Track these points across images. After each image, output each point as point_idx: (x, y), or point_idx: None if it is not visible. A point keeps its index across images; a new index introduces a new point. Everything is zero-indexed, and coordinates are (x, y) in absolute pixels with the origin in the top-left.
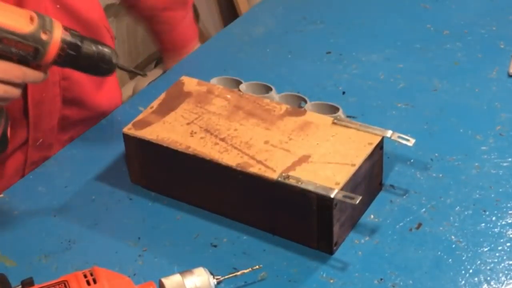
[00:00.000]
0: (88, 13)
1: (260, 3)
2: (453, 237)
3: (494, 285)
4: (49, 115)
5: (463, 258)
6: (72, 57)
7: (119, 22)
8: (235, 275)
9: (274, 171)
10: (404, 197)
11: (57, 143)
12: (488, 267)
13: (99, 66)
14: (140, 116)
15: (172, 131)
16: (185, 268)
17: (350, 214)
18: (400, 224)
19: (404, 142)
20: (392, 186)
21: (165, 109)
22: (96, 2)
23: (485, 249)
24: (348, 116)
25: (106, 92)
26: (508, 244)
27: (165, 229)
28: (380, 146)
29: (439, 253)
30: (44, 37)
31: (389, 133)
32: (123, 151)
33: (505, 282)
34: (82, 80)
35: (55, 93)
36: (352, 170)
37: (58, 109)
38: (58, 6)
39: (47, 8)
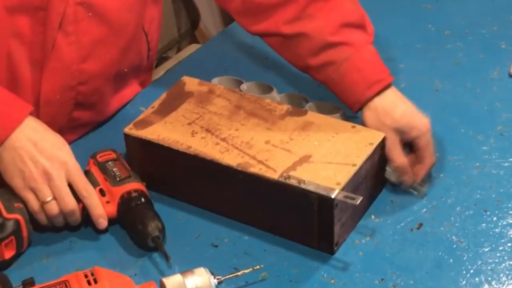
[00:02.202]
0: (121, 16)
1: None
2: (454, 237)
3: (495, 285)
4: (59, 116)
5: (464, 258)
6: None
7: None
8: (236, 275)
9: (275, 171)
10: (405, 197)
11: None
12: (489, 267)
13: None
14: (141, 116)
15: (173, 131)
16: (186, 268)
17: (351, 214)
18: (401, 224)
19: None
20: (393, 186)
21: (166, 109)
22: (133, 2)
23: (486, 249)
24: (349, 116)
25: (121, 97)
26: (509, 244)
27: (166, 229)
28: (381, 146)
29: (440, 253)
30: None
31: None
32: (124, 151)
33: (506, 282)
34: (101, 87)
35: (69, 96)
36: (353, 170)
37: (68, 112)
38: (90, 14)
39: (79, 15)
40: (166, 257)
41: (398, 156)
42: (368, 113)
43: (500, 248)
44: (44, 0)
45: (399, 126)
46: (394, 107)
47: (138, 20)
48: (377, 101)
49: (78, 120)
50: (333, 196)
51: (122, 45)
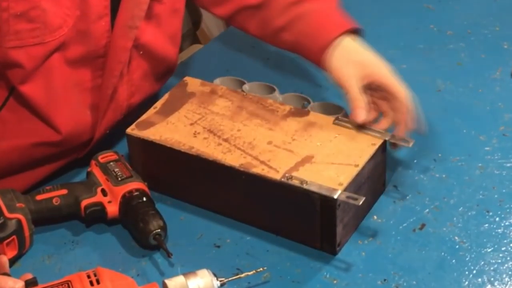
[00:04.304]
0: (165, 49)
1: None
2: (456, 237)
3: (497, 286)
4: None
5: (467, 258)
6: None
7: None
8: (239, 277)
9: (277, 171)
10: (407, 197)
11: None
12: (491, 268)
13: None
14: (144, 117)
15: (175, 131)
16: (189, 269)
17: (353, 214)
18: (404, 225)
19: (403, 144)
20: (395, 186)
21: (168, 110)
22: (178, 37)
23: (489, 250)
24: None
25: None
26: None
27: (168, 230)
28: (383, 146)
29: (442, 253)
30: None
31: (389, 135)
32: (126, 152)
33: (509, 282)
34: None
35: (115, 130)
36: (356, 170)
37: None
38: (141, 52)
39: (132, 56)
40: (167, 253)
41: (352, 87)
42: (334, 52)
43: (503, 248)
44: (105, 49)
45: (362, 60)
46: (360, 48)
47: (177, 50)
48: (344, 40)
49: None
50: (335, 197)
51: (162, 74)
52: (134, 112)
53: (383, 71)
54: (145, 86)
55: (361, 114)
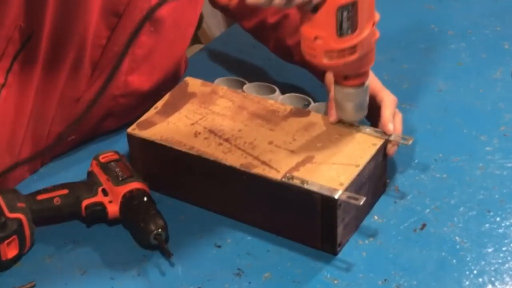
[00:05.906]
0: (174, 39)
1: None
2: (457, 237)
3: (498, 286)
4: (90, 119)
5: (467, 259)
6: None
7: None
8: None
9: (278, 171)
10: (408, 197)
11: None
12: (492, 268)
13: None
14: (144, 117)
15: (176, 131)
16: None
17: (354, 214)
18: (404, 225)
19: (402, 142)
20: (396, 186)
21: (169, 110)
22: (188, 33)
23: (489, 250)
24: None
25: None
26: None
27: (169, 230)
28: (384, 146)
29: (443, 253)
30: None
31: (389, 136)
32: (127, 151)
33: (510, 283)
34: (138, 105)
35: (107, 104)
36: (356, 170)
37: (99, 118)
38: (152, 29)
39: (143, 30)
40: (168, 253)
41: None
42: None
43: (504, 248)
44: (125, 7)
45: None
46: None
47: (186, 42)
48: None
49: (103, 128)
50: (336, 197)
51: (167, 66)
52: (131, 109)
53: (372, 82)
54: (144, 70)
55: (334, 114)
